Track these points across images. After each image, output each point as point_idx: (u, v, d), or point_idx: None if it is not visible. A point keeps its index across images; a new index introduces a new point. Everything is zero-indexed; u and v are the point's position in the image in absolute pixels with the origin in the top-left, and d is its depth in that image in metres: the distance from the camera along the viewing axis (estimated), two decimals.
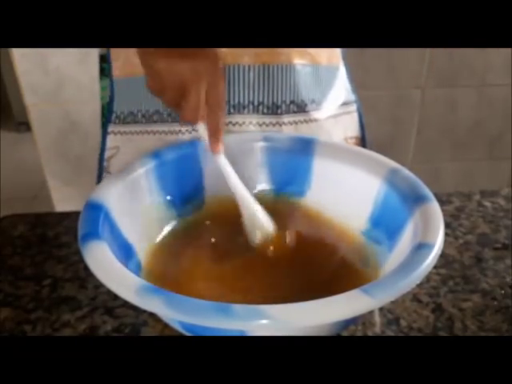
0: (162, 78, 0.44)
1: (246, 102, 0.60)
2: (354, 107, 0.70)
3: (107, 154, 0.64)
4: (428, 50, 1.38)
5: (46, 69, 1.24)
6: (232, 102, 0.60)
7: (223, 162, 0.49)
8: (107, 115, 0.64)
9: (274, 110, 0.61)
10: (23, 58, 1.22)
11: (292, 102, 0.61)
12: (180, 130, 0.60)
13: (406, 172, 0.49)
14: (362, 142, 0.71)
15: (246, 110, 0.60)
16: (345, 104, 0.68)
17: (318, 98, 0.64)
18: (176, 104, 0.45)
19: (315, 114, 0.64)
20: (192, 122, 0.46)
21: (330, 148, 0.54)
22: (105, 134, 0.64)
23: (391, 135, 1.48)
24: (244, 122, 0.61)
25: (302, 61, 0.61)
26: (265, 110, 0.61)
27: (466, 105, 1.49)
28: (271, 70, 0.59)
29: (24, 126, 2.21)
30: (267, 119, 0.61)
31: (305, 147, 0.54)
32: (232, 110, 0.60)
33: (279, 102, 0.61)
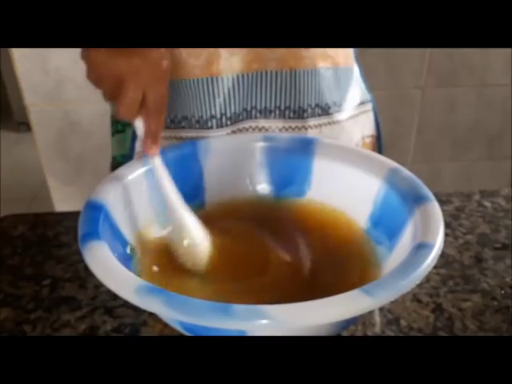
0: (98, 68, 0.44)
1: (273, 107, 0.61)
2: (369, 106, 0.70)
3: (136, 158, 0.64)
4: (428, 50, 1.38)
5: (46, 69, 1.23)
6: (259, 107, 0.60)
7: (157, 165, 0.48)
8: None
9: (300, 114, 0.61)
10: (23, 58, 1.22)
11: (317, 105, 0.62)
12: (207, 136, 0.60)
13: (406, 172, 0.49)
14: (378, 140, 0.72)
15: (272, 115, 0.61)
16: (362, 103, 0.69)
17: (338, 99, 0.64)
18: (113, 97, 0.45)
19: (337, 116, 0.64)
20: (127, 118, 0.46)
21: (330, 148, 0.54)
22: (133, 138, 0.64)
23: (391, 135, 1.48)
24: (270, 127, 0.61)
25: (325, 64, 0.61)
26: (291, 115, 0.61)
27: (466, 105, 1.49)
28: (297, 74, 0.60)
29: (24, 126, 2.21)
30: (293, 123, 0.61)
31: (305, 147, 0.54)
32: (258, 115, 0.61)
33: (305, 106, 0.61)
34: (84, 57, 0.45)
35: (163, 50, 0.46)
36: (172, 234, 0.47)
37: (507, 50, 1.40)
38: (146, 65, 0.44)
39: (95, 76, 0.45)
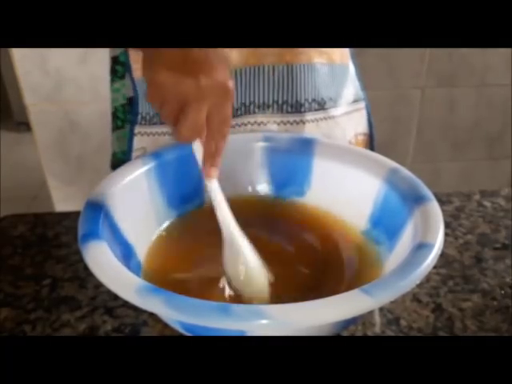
0: (163, 90, 0.41)
1: (271, 102, 0.61)
2: (362, 104, 0.70)
3: (134, 155, 0.64)
4: (428, 50, 1.38)
5: (46, 69, 1.24)
6: (257, 102, 0.61)
7: (215, 188, 0.46)
8: (132, 117, 0.63)
9: (297, 108, 0.62)
10: (23, 58, 1.22)
11: (313, 100, 0.62)
12: None
13: (406, 172, 0.49)
14: (370, 138, 0.72)
15: (270, 110, 0.61)
16: (355, 101, 0.69)
17: (333, 95, 0.65)
18: (174, 119, 0.43)
19: (333, 111, 0.65)
20: (187, 141, 0.44)
21: (330, 148, 0.54)
22: (131, 135, 0.63)
23: (391, 135, 1.48)
24: (268, 121, 0.61)
25: (321, 60, 0.62)
26: (289, 109, 0.61)
27: (466, 105, 1.49)
28: (294, 69, 0.60)
29: (24, 125, 2.21)
30: (291, 118, 0.62)
31: (305, 147, 0.54)
32: (256, 110, 0.61)
33: (302, 101, 0.61)
34: (148, 79, 0.42)
35: (228, 69, 0.43)
36: (227, 261, 0.45)
37: (507, 50, 1.40)
38: (213, 85, 0.41)
39: (160, 98, 0.42)
